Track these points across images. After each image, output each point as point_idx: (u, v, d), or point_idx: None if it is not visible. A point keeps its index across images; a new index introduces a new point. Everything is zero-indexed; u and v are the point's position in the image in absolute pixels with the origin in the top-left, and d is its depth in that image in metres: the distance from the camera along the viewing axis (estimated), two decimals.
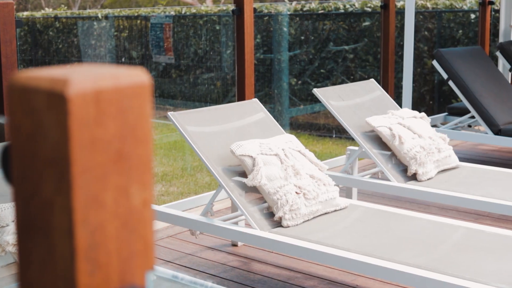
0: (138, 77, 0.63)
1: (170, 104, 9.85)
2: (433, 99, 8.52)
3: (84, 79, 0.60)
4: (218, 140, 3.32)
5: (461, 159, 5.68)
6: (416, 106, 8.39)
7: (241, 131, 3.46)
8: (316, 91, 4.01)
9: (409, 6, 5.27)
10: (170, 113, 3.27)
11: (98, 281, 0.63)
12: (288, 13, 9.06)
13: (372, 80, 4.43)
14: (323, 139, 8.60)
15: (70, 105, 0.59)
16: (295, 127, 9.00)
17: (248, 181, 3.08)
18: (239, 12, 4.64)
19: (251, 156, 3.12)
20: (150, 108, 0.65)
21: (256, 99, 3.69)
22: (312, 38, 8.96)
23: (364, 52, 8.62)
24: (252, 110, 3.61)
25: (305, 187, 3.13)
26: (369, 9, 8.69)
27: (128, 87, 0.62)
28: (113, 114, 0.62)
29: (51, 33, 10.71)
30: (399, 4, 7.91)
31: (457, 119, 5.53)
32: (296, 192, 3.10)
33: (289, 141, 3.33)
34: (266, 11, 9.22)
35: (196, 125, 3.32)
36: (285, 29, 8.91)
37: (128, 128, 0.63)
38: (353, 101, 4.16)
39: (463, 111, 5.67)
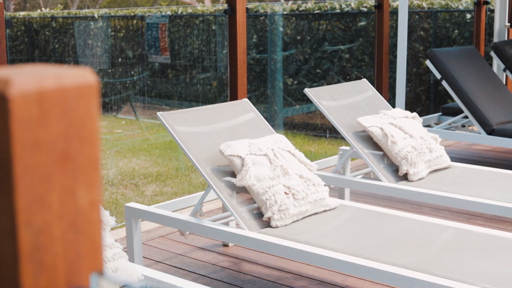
0: (84, 77, 0.63)
1: (167, 104, 9.85)
2: (429, 99, 8.52)
3: (27, 80, 0.59)
4: (208, 140, 3.32)
5: (455, 159, 5.67)
6: (412, 106, 8.38)
7: (231, 131, 3.45)
8: (308, 91, 4.00)
9: (402, 6, 5.26)
10: (159, 113, 3.27)
11: (43, 283, 0.62)
12: (284, 13, 9.05)
13: (364, 80, 4.43)
14: (319, 139, 8.60)
15: (11, 106, 0.58)
16: (291, 127, 8.99)
17: (237, 182, 3.07)
18: (231, 12, 4.63)
19: (240, 156, 3.11)
20: (97, 108, 0.64)
21: (246, 99, 3.69)
22: (308, 38, 8.95)
23: (360, 52, 8.61)
24: (242, 110, 3.61)
25: (294, 187, 3.12)
26: (365, 9, 8.68)
27: (72, 88, 0.62)
28: (57, 114, 0.61)
29: (47, 33, 10.71)
30: (394, 4, 7.90)
31: (451, 119, 5.52)
32: (285, 193, 3.09)
33: (279, 141, 3.32)
34: (262, 10, 9.21)
35: (186, 125, 3.31)
36: (281, 29, 8.90)
37: (74, 129, 0.62)
38: (345, 101, 4.15)
39: (457, 111, 5.66)
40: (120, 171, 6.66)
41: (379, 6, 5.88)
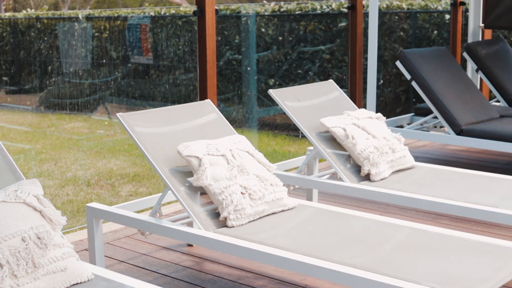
0: None
1: (150, 105, 9.86)
2: (408, 99, 8.57)
3: None
4: (167, 141, 3.35)
5: (429, 159, 5.72)
6: (392, 106, 8.43)
7: (191, 132, 3.48)
8: (272, 92, 4.03)
9: (373, 7, 5.30)
10: (119, 114, 3.29)
11: None
12: (266, 13, 9.08)
13: (331, 81, 4.46)
14: (300, 139, 8.64)
15: None
16: (272, 127, 9.02)
17: (193, 181, 3.10)
18: (200, 13, 4.66)
19: (198, 157, 3.14)
20: None
21: (209, 100, 3.71)
22: (290, 38, 8.99)
23: (340, 53, 8.65)
24: (204, 111, 3.63)
25: (251, 187, 3.15)
26: (345, 10, 8.73)
27: None
28: None
29: (32, 33, 10.73)
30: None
31: (422, 119, 5.56)
32: (241, 193, 3.12)
33: (238, 142, 3.35)
34: (244, 11, 9.24)
35: (145, 126, 3.34)
36: (263, 29, 8.93)
37: None
38: (310, 102, 4.18)
39: (429, 112, 5.69)
40: (98, 171, 6.69)
41: (352, 7, 5.93)
